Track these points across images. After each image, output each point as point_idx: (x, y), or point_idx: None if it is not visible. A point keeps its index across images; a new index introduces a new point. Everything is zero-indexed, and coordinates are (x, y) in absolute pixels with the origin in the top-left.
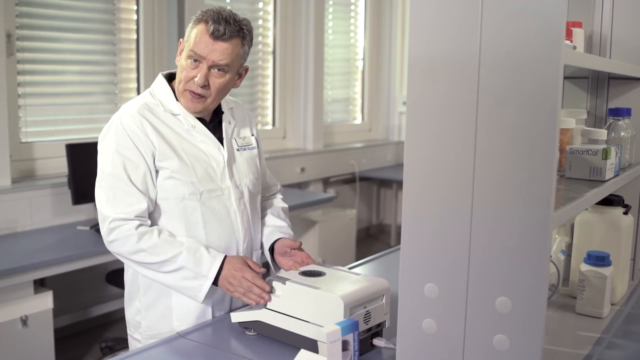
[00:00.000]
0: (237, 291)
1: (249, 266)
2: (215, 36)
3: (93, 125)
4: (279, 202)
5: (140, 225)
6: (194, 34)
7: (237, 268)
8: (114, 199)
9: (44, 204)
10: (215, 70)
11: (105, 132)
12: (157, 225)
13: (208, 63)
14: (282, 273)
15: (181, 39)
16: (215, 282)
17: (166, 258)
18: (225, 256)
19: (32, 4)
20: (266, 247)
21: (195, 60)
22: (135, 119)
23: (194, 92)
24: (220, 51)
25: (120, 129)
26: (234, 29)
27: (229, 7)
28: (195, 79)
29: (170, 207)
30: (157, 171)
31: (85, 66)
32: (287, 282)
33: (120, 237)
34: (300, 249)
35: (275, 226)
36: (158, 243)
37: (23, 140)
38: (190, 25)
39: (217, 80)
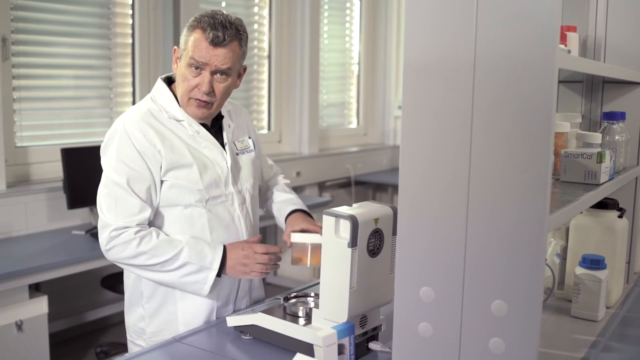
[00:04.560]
0: (255, 269)
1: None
2: (215, 43)
3: (88, 129)
4: (281, 179)
5: (140, 230)
6: (192, 41)
7: (244, 247)
8: (116, 208)
9: (39, 209)
10: (218, 75)
11: (109, 138)
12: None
13: (210, 69)
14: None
15: (175, 47)
16: (223, 273)
17: (169, 257)
18: (225, 246)
19: (27, 8)
20: (281, 220)
21: (197, 68)
22: (140, 127)
23: (200, 100)
24: (221, 57)
25: (125, 137)
26: (232, 33)
27: (222, 11)
28: (202, 88)
29: (177, 215)
30: (162, 181)
31: (81, 70)
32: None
33: (120, 243)
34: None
35: (284, 200)
36: (159, 244)
37: (18, 144)
38: (184, 32)
39: (220, 85)
